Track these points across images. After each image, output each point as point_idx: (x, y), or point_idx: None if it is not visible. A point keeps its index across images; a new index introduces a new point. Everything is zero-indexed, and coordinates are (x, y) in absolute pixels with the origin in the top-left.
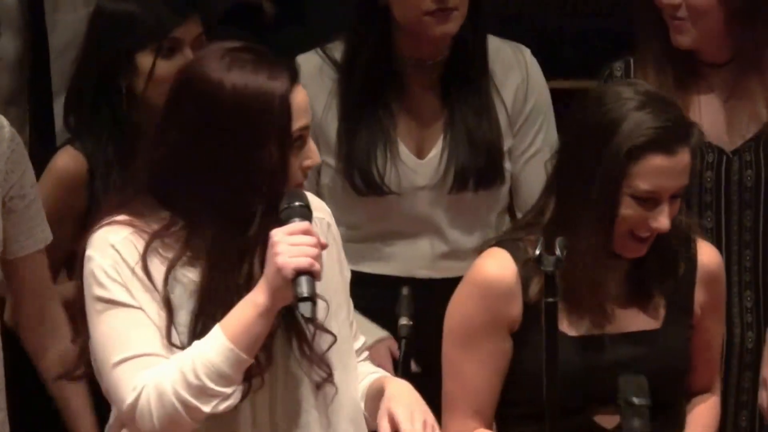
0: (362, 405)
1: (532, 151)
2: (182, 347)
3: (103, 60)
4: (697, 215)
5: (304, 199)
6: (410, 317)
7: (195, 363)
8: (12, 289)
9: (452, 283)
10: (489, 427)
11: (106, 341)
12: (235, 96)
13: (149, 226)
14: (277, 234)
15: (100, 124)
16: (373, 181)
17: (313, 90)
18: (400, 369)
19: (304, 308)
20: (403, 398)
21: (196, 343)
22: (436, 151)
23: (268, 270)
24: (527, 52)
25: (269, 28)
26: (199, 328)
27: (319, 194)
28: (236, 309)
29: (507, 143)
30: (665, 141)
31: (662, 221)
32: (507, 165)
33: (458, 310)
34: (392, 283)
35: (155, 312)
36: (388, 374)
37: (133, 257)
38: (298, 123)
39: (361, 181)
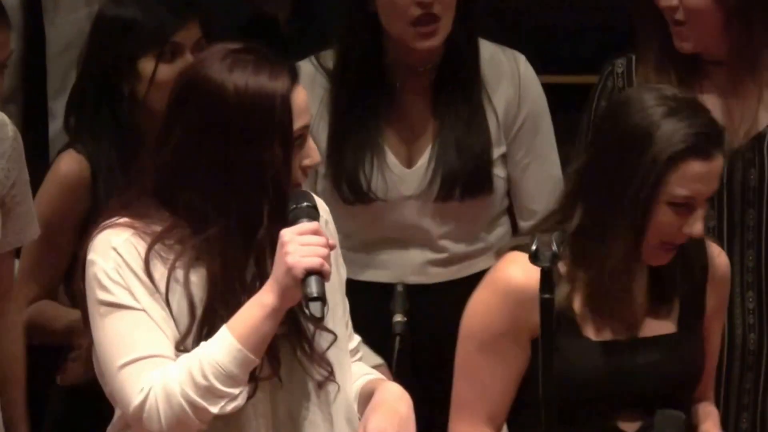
0: (355, 406)
1: (531, 157)
2: (186, 350)
3: (105, 65)
4: None
5: (311, 199)
6: (404, 314)
7: (203, 363)
8: None
9: (444, 286)
10: (499, 431)
11: (111, 344)
12: (238, 96)
13: (150, 227)
14: (287, 234)
15: (101, 127)
16: (359, 189)
17: None
18: (394, 366)
19: (315, 308)
20: (384, 410)
21: (203, 343)
22: (423, 160)
23: (278, 269)
24: (522, 58)
25: (289, 38)
26: (206, 329)
27: None
28: (243, 309)
29: (498, 151)
30: (703, 146)
31: (697, 227)
32: (499, 172)
33: (479, 314)
34: (384, 290)
35: (158, 313)
36: (382, 376)
37: (135, 259)
38: (299, 122)
39: (348, 189)
